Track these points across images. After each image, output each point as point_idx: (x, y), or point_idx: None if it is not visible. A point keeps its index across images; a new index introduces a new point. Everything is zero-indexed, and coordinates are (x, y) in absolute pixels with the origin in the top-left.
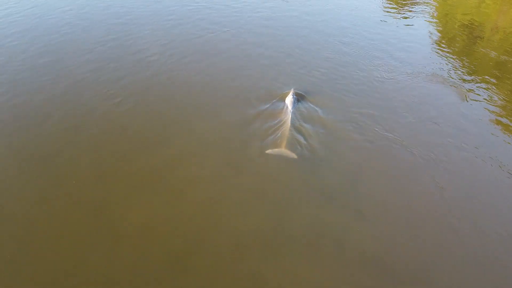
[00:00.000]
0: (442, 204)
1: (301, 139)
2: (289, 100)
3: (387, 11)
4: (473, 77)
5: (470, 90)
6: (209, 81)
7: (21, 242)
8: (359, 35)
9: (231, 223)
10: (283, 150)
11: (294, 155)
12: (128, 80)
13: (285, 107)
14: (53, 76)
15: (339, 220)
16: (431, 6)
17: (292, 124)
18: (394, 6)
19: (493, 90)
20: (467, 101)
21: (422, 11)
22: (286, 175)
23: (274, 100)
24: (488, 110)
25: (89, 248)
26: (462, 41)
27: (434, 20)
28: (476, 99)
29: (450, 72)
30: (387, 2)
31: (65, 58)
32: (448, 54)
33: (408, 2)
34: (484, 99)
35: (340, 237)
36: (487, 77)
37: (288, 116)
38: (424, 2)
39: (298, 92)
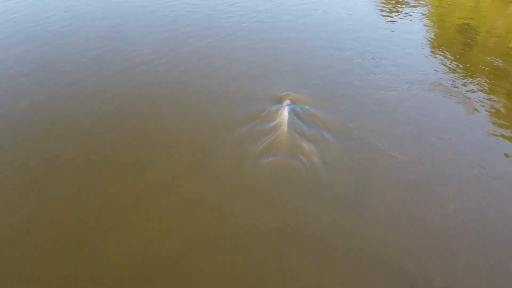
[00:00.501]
0: (450, 221)
1: (299, 145)
2: (284, 107)
3: (383, 16)
4: (478, 86)
5: (476, 101)
6: (199, 92)
7: (19, 245)
8: (355, 43)
9: (229, 238)
10: (281, 157)
11: (292, 162)
12: (117, 94)
13: (281, 115)
14: (39, 91)
15: (341, 225)
16: (426, 10)
17: (289, 129)
18: (389, 10)
19: (502, 101)
20: (473, 114)
21: (418, 17)
22: (284, 184)
23: (268, 108)
24: (496, 123)
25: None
26: (464, 46)
27: (431, 24)
28: (483, 111)
29: (454, 80)
30: (381, 5)
31: (55, 74)
32: (449, 61)
33: (402, 6)
34: (491, 110)
35: (341, 240)
36: (494, 86)
37: (284, 122)
38: (418, 8)
39: (293, 101)
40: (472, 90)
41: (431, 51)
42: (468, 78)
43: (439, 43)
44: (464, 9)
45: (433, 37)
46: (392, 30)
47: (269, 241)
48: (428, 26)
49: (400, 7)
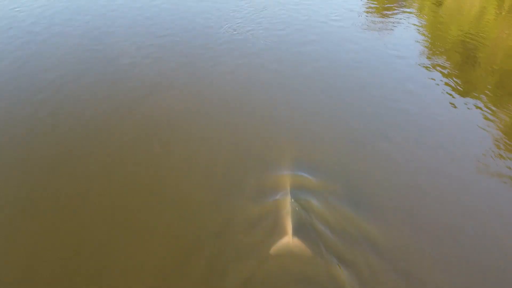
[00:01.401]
0: None
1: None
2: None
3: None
4: None
5: None
6: (167, 171)
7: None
8: (364, 101)
9: None
10: (290, 242)
11: (304, 247)
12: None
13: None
14: None
15: None
16: (423, 23)
17: (293, 209)
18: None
19: None
20: None
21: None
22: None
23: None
24: None
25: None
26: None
27: (433, 46)
28: None
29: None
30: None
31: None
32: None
33: (399, 20)
34: None
35: None
36: None
37: (287, 205)
38: (412, 19)
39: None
40: None
41: (466, 104)
42: None
43: (468, 88)
44: (466, 23)
45: (457, 81)
46: (405, 83)
47: None
48: (431, 54)
49: (396, 22)
